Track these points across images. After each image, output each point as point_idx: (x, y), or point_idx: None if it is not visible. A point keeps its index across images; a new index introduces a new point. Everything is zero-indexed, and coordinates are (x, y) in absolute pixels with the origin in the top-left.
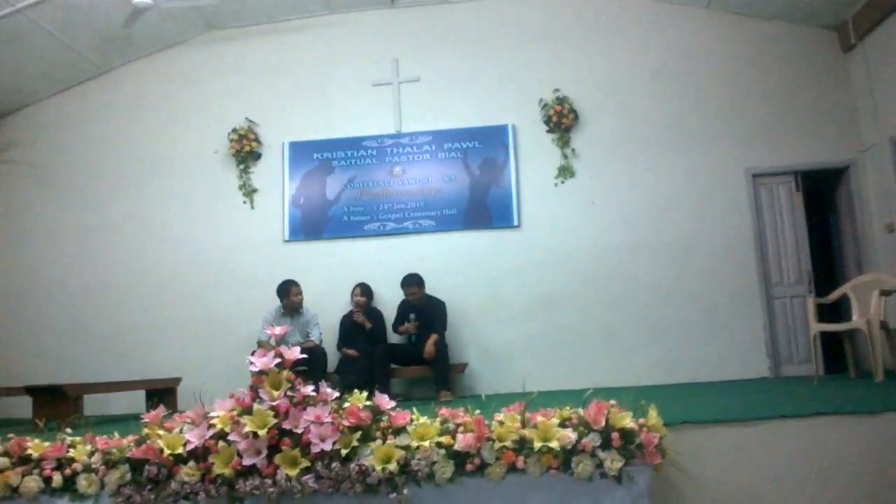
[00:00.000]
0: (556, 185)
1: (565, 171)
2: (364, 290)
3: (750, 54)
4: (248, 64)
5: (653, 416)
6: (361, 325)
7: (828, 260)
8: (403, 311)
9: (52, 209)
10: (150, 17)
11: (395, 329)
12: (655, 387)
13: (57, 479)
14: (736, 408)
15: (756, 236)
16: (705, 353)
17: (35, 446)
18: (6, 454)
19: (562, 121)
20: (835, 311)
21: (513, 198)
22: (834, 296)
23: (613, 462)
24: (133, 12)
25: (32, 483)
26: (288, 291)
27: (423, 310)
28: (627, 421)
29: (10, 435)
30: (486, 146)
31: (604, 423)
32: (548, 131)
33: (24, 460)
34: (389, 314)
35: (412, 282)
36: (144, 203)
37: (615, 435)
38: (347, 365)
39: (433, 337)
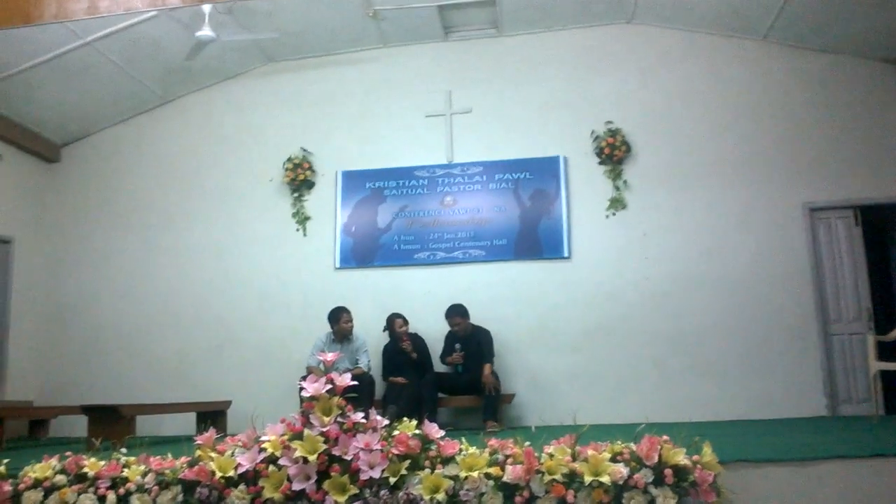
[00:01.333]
0: (607, 216)
1: (617, 203)
2: (405, 320)
3: (807, 87)
4: (305, 95)
5: (707, 452)
6: (406, 354)
7: (888, 296)
8: (450, 341)
9: (111, 233)
10: (212, 50)
11: (442, 360)
12: (708, 423)
13: (111, 498)
14: (793, 446)
15: (813, 271)
16: (760, 391)
17: (91, 465)
18: (63, 472)
19: (614, 153)
20: (895, 350)
21: (563, 229)
22: (895, 334)
23: (666, 499)
24: (196, 45)
25: (88, 501)
26: (339, 318)
27: (469, 340)
28: (681, 457)
29: (67, 453)
30: (537, 177)
31: (656, 458)
32: (599, 163)
33: (80, 478)
34: (439, 343)
35: (455, 313)
36: (200, 229)
37: (668, 471)
38: (395, 393)
39: (489, 366)
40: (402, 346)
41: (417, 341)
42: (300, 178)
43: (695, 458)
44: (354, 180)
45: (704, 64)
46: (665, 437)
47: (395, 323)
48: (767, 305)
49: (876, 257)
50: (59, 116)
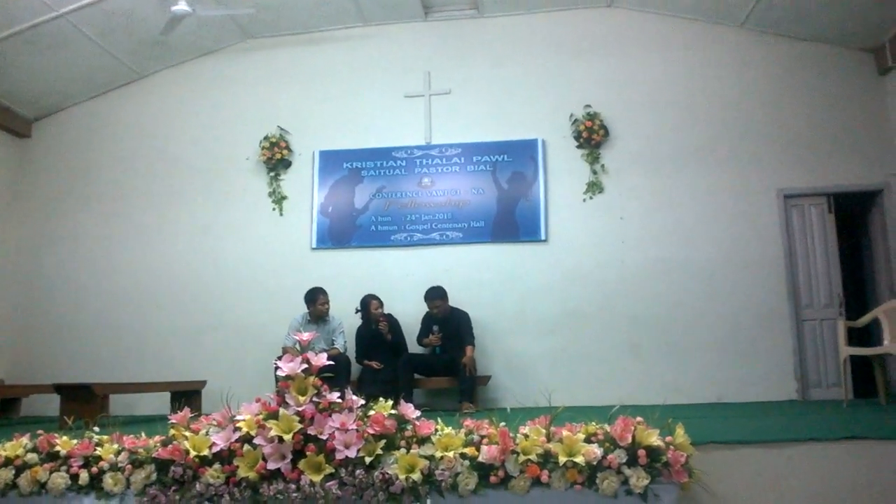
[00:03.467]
0: (584, 200)
1: (594, 187)
2: (380, 301)
3: (784, 75)
4: (282, 73)
5: (680, 434)
6: (381, 336)
7: (859, 283)
8: (427, 323)
9: (84, 211)
10: (188, 25)
11: (419, 342)
12: (682, 405)
13: (84, 476)
14: (765, 429)
15: (787, 258)
16: (733, 374)
17: (63, 443)
18: (35, 450)
19: (592, 136)
20: (865, 336)
21: (541, 212)
22: (865, 320)
23: (639, 479)
24: (171, 19)
25: (60, 480)
26: (315, 299)
27: (447, 322)
28: (654, 438)
29: (39, 432)
30: (515, 160)
31: (630, 439)
32: (578, 147)
33: (52, 457)
34: (416, 324)
35: (435, 295)
36: (175, 207)
37: (641, 452)
38: (369, 376)
39: (470, 348)
40: (378, 328)
41: (392, 322)
42: (277, 158)
43: (668, 439)
44: (332, 160)
45: (683, 50)
46: (639, 419)
47: (370, 304)
48: (741, 290)
49: (848, 244)
50: (30, 90)
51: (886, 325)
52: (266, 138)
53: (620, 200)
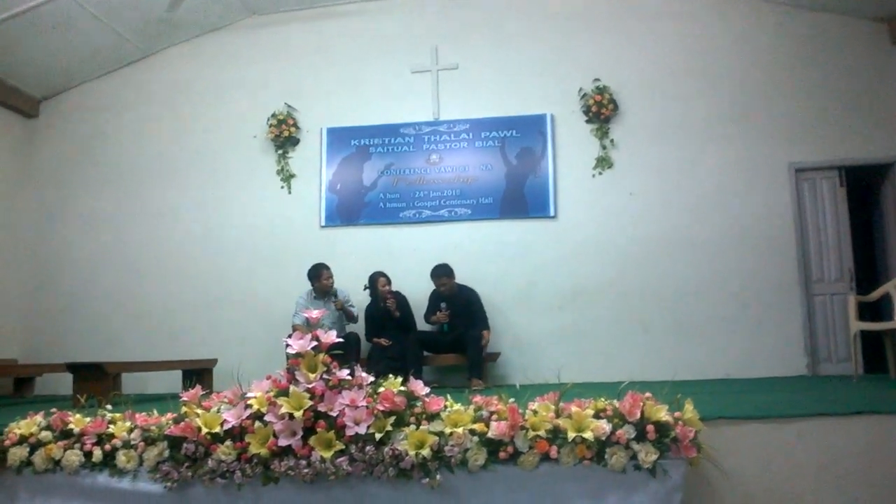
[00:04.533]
0: (593, 175)
1: (603, 162)
2: (388, 279)
3: (796, 45)
4: (289, 49)
5: (689, 409)
6: (389, 313)
7: (870, 258)
8: (435, 300)
9: (93, 190)
10: (193, 2)
11: (426, 319)
12: (691, 381)
13: (97, 453)
14: (773, 404)
15: (797, 232)
16: (742, 350)
17: (76, 421)
18: (49, 428)
19: (601, 111)
20: (876, 310)
21: (549, 188)
22: (876, 294)
23: (648, 455)
24: None
25: (74, 457)
26: (319, 275)
27: (455, 299)
28: (663, 414)
29: (53, 410)
30: (523, 135)
31: (639, 415)
32: (587, 121)
33: (66, 435)
34: (424, 300)
35: (441, 273)
36: (183, 185)
37: (650, 428)
38: (378, 353)
39: (487, 333)
40: (387, 305)
41: (400, 299)
42: (284, 135)
43: (676, 414)
44: (339, 137)
45: (693, 22)
46: (648, 395)
47: (378, 282)
48: (751, 265)
49: (860, 218)
50: (38, 70)
51: None
52: (273, 115)
53: (630, 176)
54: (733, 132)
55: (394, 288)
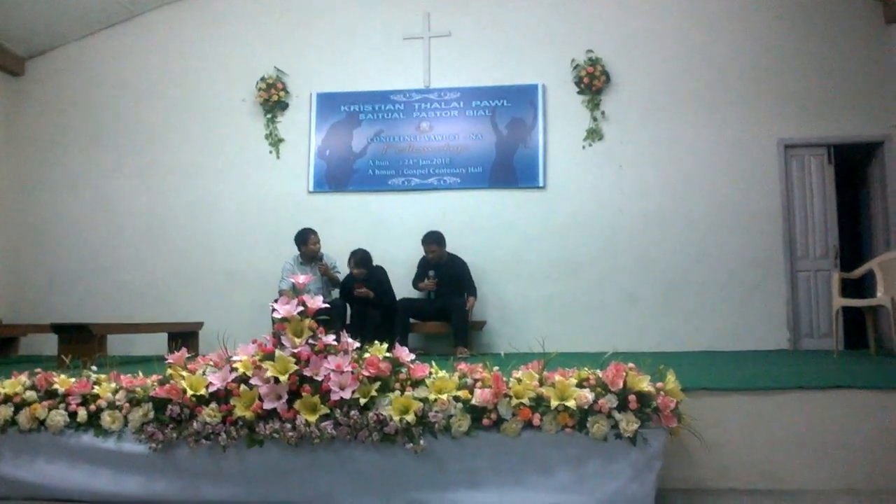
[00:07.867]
0: (583, 147)
1: (594, 134)
2: (359, 261)
3: (789, 21)
4: (280, 13)
5: (670, 380)
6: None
7: (856, 235)
8: (423, 267)
9: (78, 151)
10: None
11: (414, 285)
12: (674, 353)
13: (82, 414)
14: (754, 377)
15: (784, 208)
16: (725, 323)
17: (61, 381)
18: (33, 388)
19: (593, 82)
20: (859, 288)
21: (539, 158)
22: (859, 271)
23: (629, 424)
24: None
25: (59, 417)
26: (306, 239)
27: (443, 267)
28: (645, 384)
29: (38, 370)
30: (514, 105)
31: (621, 385)
32: (578, 93)
33: (51, 395)
34: (411, 269)
35: (432, 240)
36: (170, 148)
37: (632, 397)
38: (358, 321)
39: (472, 300)
40: (358, 293)
41: (376, 274)
42: (273, 99)
43: (658, 385)
44: (329, 103)
45: None
46: (630, 365)
47: (347, 263)
48: (737, 240)
49: (847, 196)
50: (23, 28)
51: (880, 277)
52: (263, 79)
53: (620, 148)
54: (724, 108)
55: (380, 254)
